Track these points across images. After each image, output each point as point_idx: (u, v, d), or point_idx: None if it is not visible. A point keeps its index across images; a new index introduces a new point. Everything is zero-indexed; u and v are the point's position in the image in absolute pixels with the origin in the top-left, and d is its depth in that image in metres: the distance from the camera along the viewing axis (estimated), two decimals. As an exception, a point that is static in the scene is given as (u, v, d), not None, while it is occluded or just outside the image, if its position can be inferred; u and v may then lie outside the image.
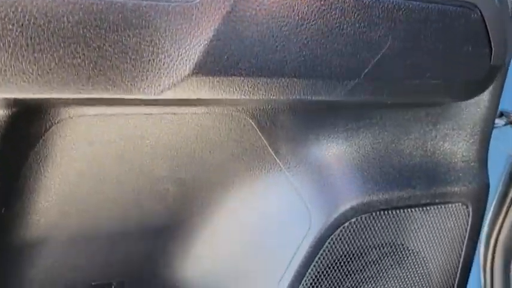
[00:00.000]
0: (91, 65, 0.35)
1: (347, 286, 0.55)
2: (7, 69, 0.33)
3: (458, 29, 0.47)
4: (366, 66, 0.43)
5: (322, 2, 0.41)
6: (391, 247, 0.55)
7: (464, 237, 0.59)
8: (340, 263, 0.53)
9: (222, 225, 0.55)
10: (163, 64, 0.37)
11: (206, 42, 0.37)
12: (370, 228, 0.53)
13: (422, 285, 0.59)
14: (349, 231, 0.52)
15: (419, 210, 0.55)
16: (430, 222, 0.56)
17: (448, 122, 0.56)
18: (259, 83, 0.40)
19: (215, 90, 0.39)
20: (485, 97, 0.55)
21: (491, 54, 0.49)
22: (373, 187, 0.52)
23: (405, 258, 0.57)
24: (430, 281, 0.60)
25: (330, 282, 0.54)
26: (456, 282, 0.62)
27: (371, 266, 0.56)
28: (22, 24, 0.32)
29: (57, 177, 0.46)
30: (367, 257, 0.55)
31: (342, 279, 0.54)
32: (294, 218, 0.53)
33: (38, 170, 0.45)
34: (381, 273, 0.56)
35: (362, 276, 0.56)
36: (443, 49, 0.47)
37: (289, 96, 0.41)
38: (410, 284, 0.59)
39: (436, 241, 0.57)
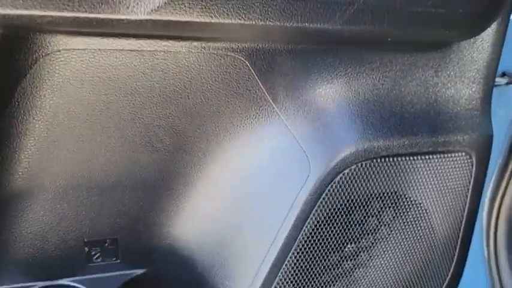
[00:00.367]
0: None
1: (347, 238, 0.53)
2: None
3: None
4: None
5: None
6: (393, 197, 0.53)
7: (468, 190, 0.57)
8: (340, 213, 0.52)
9: (217, 178, 0.54)
10: None
11: None
12: (371, 176, 0.51)
13: (425, 239, 0.58)
14: (350, 179, 0.50)
15: (421, 158, 0.53)
16: (432, 172, 0.54)
17: (449, 68, 0.54)
18: (253, 5, 0.38)
19: (207, 12, 0.37)
20: (486, 41, 0.54)
21: None
22: (374, 133, 0.51)
23: (407, 210, 0.55)
24: (433, 235, 0.58)
25: (329, 233, 0.52)
26: (460, 238, 0.60)
27: (372, 218, 0.54)
28: None
29: (46, 120, 0.45)
30: (368, 207, 0.53)
31: (342, 231, 0.53)
32: (293, 166, 0.51)
33: (25, 109, 0.43)
34: (383, 226, 0.55)
35: (363, 228, 0.54)
36: None
37: (285, 23, 0.40)
38: (413, 238, 0.57)
39: (439, 192, 0.55)
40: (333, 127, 0.51)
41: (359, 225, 0.53)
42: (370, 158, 0.50)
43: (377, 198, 0.53)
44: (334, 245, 0.53)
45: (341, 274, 0.55)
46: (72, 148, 0.47)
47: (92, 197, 0.51)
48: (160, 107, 0.48)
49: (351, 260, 0.55)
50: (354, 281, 0.56)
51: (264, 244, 0.52)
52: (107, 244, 0.54)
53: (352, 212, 0.52)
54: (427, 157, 0.53)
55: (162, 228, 0.55)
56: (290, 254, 0.51)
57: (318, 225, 0.51)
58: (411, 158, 0.52)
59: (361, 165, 0.50)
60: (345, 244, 0.54)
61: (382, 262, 0.57)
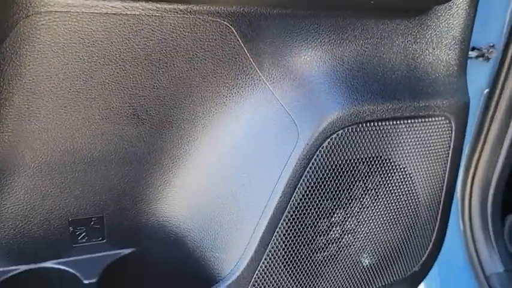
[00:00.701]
0: None
1: (335, 204, 0.54)
2: None
3: None
4: None
5: None
6: (378, 162, 0.54)
7: (448, 155, 0.59)
8: (328, 178, 0.52)
9: (205, 151, 0.53)
10: None
11: None
12: (357, 141, 0.52)
13: (409, 205, 0.59)
14: (337, 143, 0.51)
15: (404, 123, 0.54)
16: (415, 136, 0.55)
17: (427, 34, 0.56)
18: None
19: None
20: (461, 8, 0.56)
21: None
22: (359, 98, 0.51)
23: (392, 175, 0.56)
24: (417, 201, 0.59)
25: (319, 198, 0.52)
26: (441, 203, 0.62)
27: (359, 183, 0.55)
28: None
29: (26, 89, 0.43)
30: (355, 172, 0.54)
31: (331, 197, 0.53)
32: (281, 133, 0.51)
33: (4, 78, 0.41)
34: (369, 191, 0.56)
35: (350, 194, 0.55)
36: None
37: None
38: (398, 203, 0.58)
39: (422, 157, 0.57)
40: (319, 93, 0.51)
41: (347, 191, 0.54)
42: (356, 123, 0.51)
43: (363, 163, 0.54)
44: (324, 211, 0.53)
45: (330, 241, 0.55)
46: (55, 120, 0.46)
47: (76, 172, 0.49)
48: (145, 76, 0.47)
49: (339, 226, 0.56)
50: (342, 248, 0.57)
51: (255, 213, 0.51)
52: (92, 223, 0.52)
53: (340, 177, 0.53)
54: (409, 121, 0.54)
55: (149, 205, 0.54)
56: (281, 221, 0.51)
57: (307, 191, 0.51)
58: (395, 122, 0.54)
59: (348, 130, 0.51)
60: (334, 210, 0.54)
61: (369, 228, 0.58)
